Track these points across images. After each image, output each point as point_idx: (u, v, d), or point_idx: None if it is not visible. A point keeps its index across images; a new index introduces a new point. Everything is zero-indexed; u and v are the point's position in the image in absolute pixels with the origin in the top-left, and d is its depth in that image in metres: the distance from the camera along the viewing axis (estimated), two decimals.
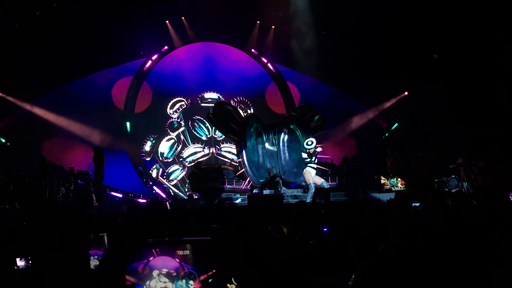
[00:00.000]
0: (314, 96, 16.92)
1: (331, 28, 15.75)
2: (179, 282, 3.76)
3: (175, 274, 3.75)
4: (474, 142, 12.80)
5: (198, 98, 16.79)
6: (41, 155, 10.74)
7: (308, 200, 9.48)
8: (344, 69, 16.17)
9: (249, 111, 16.70)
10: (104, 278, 3.19)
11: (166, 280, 3.88)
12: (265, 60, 17.54)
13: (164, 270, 3.81)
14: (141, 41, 15.58)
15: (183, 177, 15.92)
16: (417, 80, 14.79)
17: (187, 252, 3.73)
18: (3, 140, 13.49)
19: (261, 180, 12.17)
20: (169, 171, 16.00)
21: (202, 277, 3.75)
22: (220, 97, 16.90)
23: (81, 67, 14.58)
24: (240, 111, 14.21)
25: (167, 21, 16.11)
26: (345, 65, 16.01)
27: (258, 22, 16.96)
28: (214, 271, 3.66)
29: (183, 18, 16.25)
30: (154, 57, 16.30)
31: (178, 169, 16.09)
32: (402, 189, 11.51)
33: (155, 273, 3.87)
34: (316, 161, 10.27)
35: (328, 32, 15.95)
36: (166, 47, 16.47)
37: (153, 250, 3.81)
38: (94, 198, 11.27)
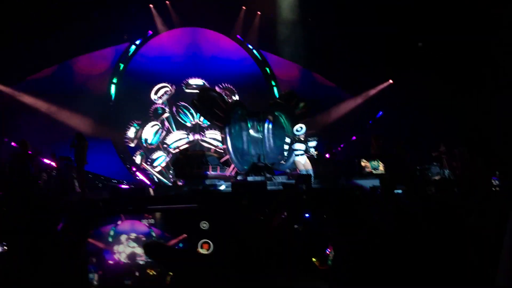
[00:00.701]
0: (299, 83, 16.93)
1: (316, 15, 15.69)
2: None
3: (144, 238, 3.67)
4: (456, 130, 12.97)
5: (182, 84, 16.64)
6: (22, 139, 10.50)
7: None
8: (330, 56, 16.16)
9: (234, 98, 16.64)
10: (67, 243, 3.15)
11: (135, 245, 3.78)
12: (250, 47, 17.46)
13: (133, 235, 3.72)
14: (125, 26, 15.36)
15: (167, 163, 15.84)
16: (402, 68, 14.88)
17: (155, 217, 3.65)
18: None
19: (245, 167, 12.17)
20: (153, 157, 15.90)
21: (172, 242, 3.68)
22: (205, 83, 16.78)
23: (64, 52, 14.32)
24: (225, 98, 14.13)
25: (151, 5, 15.88)
26: (331, 53, 16.00)
27: (243, 7, 16.82)
28: (185, 235, 3.59)
29: (167, 2, 16.03)
30: (137, 42, 16.08)
31: (162, 155, 16.00)
32: (383, 172, 11.61)
33: (123, 237, 3.75)
34: (311, 151, 10.32)
35: (314, 19, 15.89)
36: (150, 32, 16.25)
37: (121, 214, 3.71)
38: (76, 184, 11.14)
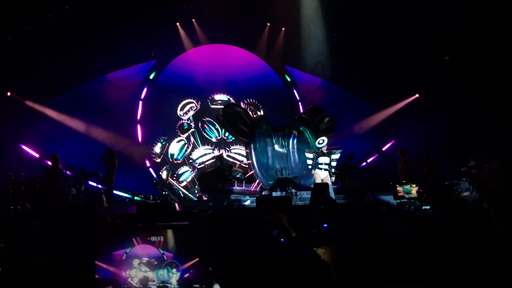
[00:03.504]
0: (324, 98, 16.89)
1: (341, 30, 15.70)
2: (160, 271, 3.67)
3: (156, 262, 3.66)
4: (486, 145, 12.67)
5: (208, 100, 16.84)
6: (53, 154, 10.76)
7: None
8: (355, 70, 16.10)
9: (258, 113, 16.71)
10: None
11: (147, 269, 3.79)
12: (275, 63, 17.60)
13: (145, 259, 3.72)
14: (152, 43, 15.70)
15: (192, 178, 15.96)
16: (428, 82, 14.70)
17: (166, 239, 3.64)
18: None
19: (270, 182, 12.15)
20: (179, 172, 16.05)
21: (184, 266, 3.66)
22: (230, 98, 16.93)
23: (94, 69, 14.76)
24: (250, 113, 14.24)
25: (177, 23, 16.22)
26: (356, 67, 15.94)
27: (268, 24, 16.99)
28: (197, 259, 3.56)
29: (193, 20, 16.34)
30: (164, 59, 16.39)
31: (187, 170, 16.14)
32: (416, 196, 11.34)
33: (135, 262, 3.76)
34: (332, 164, 10.24)
35: (338, 34, 15.90)
36: (176, 49, 16.55)
37: (133, 239, 3.72)
38: (104, 199, 11.32)
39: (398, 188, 11.42)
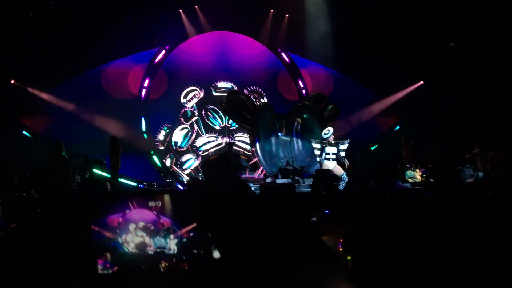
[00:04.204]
0: (327, 85, 16.82)
1: (345, 16, 15.56)
2: (157, 237, 3.59)
3: (152, 228, 3.59)
4: (491, 132, 12.64)
5: (211, 88, 16.78)
6: (57, 142, 10.78)
7: (341, 189, 9.60)
8: (358, 57, 16.00)
9: (262, 100, 16.67)
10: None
11: (143, 234, 3.71)
12: (279, 50, 17.48)
13: (141, 224, 3.64)
14: (155, 31, 15.62)
15: (196, 166, 15.99)
16: (432, 69, 14.61)
17: (163, 203, 3.58)
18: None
19: (274, 170, 12.17)
20: (183, 160, 16.08)
21: (182, 231, 3.61)
22: (234, 86, 16.87)
23: (96, 57, 14.72)
24: (254, 100, 14.19)
25: (180, 10, 16.12)
26: (359, 54, 15.83)
27: (271, 10, 16.86)
28: (195, 224, 3.51)
29: (196, 7, 16.22)
30: (167, 47, 16.32)
31: (191, 158, 16.16)
32: (421, 180, 11.42)
33: (131, 226, 3.67)
34: (341, 154, 10.27)
35: (342, 20, 15.77)
36: (180, 36, 16.46)
37: (129, 202, 3.63)
38: (109, 186, 11.37)
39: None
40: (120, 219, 3.70)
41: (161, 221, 3.68)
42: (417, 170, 11.56)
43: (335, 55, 15.99)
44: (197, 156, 16.17)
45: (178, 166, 15.99)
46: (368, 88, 17.10)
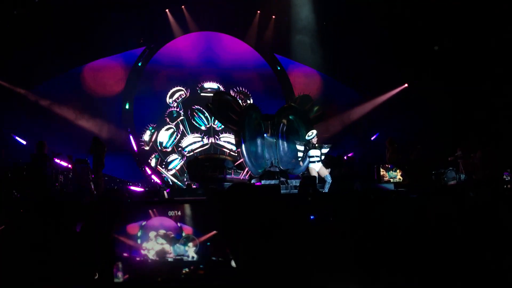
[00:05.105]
0: (313, 87, 16.90)
1: (331, 19, 15.66)
2: (177, 244, 3.63)
3: (173, 235, 3.61)
4: (473, 135, 12.84)
5: (197, 88, 16.73)
6: (40, 141, 10.63)
7: (325, 190, 9.63)
8: (344, 60, 16.12)
9: (248, 101, 16.68)
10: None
11: (163, 241, 3.73)
12: (265, 51, 17.51)
13: (161, 231, 3.66)
14: (141, 30, 15.50)
15: (181, 166, 15.93)
16: (416, 71, 14.79)
17: (183, 212, 3.60)
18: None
19: (259, 171, 12.19)
20: (168, 160, 16.00)
21: (201, 239, 3.63)
22: (220, 87, 16.85)
23: (81, 55, 14.54)
24: (240, 101, 14.20)
25: (167, 10, 16.03)
26: (345, 56, 15.95)
27: (258, 12, 16.88)
28: (214, 232, 3.53)
29: (183, 7, 16.16)
30: (153, 46, 16.21)
31: (177, 158, 16.09)
32: (400, 181, 11.64)
33: (152, 234, 3.69)
34: (322, 156, 10.33)
35: (329, 23, 15.87)
36: (166, 36, 16.38)
37: (150, 210, 3.65)
38: (93, 186, 11.24)
39: (382, 173, 11.66)
40: (141, 226, 3.70)
41: (182, 228, 3.69)
42: (398, 171, 11.76)
43: (321, 56, 16.07)
44: (182, 156, 16.11)
45: (163, 166, 15.91)
46: (354, 89, 17.24)
